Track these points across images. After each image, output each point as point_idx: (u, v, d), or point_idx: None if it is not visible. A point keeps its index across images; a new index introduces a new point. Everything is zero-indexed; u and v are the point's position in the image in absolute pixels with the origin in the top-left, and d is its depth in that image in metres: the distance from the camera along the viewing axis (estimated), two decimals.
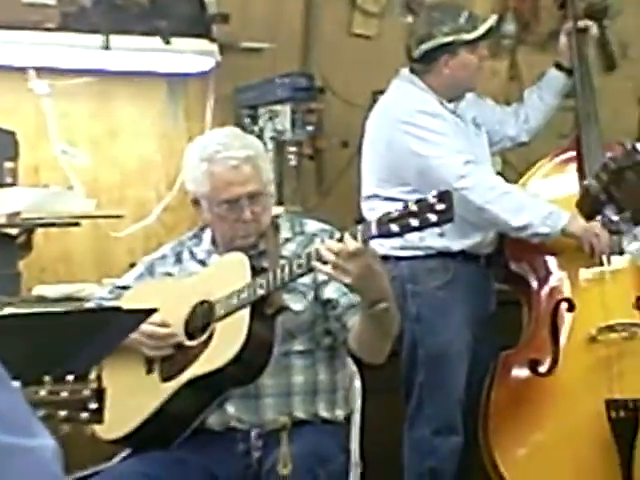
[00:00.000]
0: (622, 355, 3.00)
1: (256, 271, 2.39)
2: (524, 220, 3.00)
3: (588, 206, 0.94)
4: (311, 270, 2.27)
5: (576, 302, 3.09)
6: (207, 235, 2.61)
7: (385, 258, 3.06)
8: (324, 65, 3.86)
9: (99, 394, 1.80)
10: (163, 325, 2.44)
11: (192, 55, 3.43)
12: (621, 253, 3.01)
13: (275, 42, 3.75)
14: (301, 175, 3.69)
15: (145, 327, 2.39)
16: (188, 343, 2.43)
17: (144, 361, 2.49)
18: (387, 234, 2.14)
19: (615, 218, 0.92)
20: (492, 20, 3.24)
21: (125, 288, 2.63)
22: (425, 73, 3.19)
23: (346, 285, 2.22)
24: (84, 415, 1.80)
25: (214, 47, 3.41)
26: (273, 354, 2.35)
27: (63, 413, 1.78)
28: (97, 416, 1.81)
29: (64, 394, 1.78)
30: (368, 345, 2.41)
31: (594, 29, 3.43)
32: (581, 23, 3.38)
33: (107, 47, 3.27)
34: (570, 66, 3.35)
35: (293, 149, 3.56)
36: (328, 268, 2.18)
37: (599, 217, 0.93)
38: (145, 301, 2.40)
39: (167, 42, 3.31)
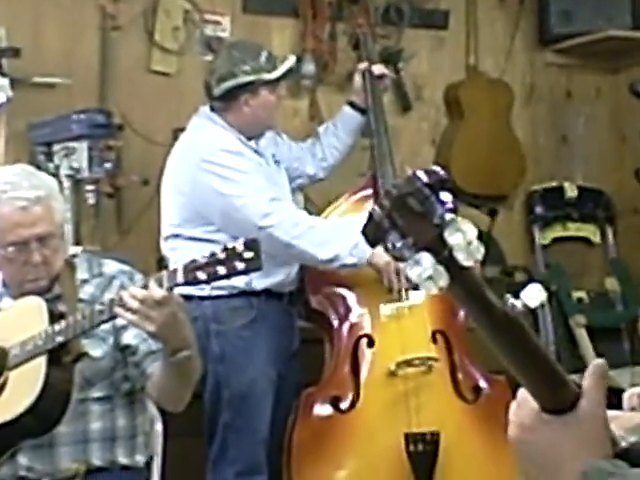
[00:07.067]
0: (419, 389, 3.07)
1: (54, 316, 2.30)
2: (331, 253, 3.02)
3: (372, 232, 0.94)
4: (113, 317, 2.20)
5: (376, 338, 3.14)
6: None
7: (188, 297, 3.02)
8: (123, 102, 3.80)
9: None
10: None
11: None
12: (416, 288, 3.08)
13: (71, 77, 3.66)
14: (100, 214, 3.61)
15: None
16: None
17: None
18: (194, 281, 2.10)
19: (398, 244, 0.93)
20: (291, 61, 3.27)
21: None
22: (225, 111, 3.19)
23: (149, 333, 2.17)
24: None
25: (5, 82, 3.31)
26: (71, 404, 2.26)
27: None
28: None
29: None
30: (169, 393, 2.36)
31: (390, 73, 3.53)
32: (376, 69, 3.46)
33: None
34: (364, 106, 3.43)
35: (91, 187, 3.48)
36: (131, 315, 2.13)
37: (383, 243, 0.94)
38: None
39: None
